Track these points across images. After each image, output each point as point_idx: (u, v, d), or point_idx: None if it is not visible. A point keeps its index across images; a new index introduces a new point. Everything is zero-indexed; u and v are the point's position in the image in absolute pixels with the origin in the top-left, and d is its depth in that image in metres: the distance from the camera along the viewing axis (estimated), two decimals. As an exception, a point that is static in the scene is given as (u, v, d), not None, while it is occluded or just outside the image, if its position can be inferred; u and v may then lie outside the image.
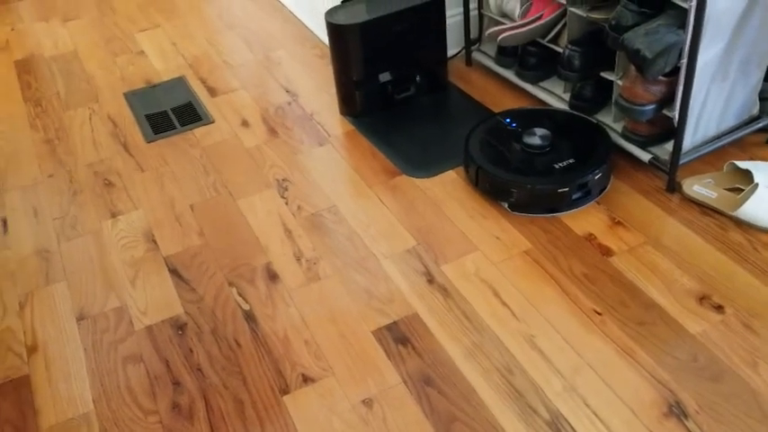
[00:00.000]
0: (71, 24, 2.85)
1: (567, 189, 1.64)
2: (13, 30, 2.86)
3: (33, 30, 2.84)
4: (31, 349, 1.49)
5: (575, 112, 1.86)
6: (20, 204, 1.90)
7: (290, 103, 2.22)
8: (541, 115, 1.86)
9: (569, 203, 1.67)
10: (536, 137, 1.73)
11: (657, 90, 1.62)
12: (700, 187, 1.67)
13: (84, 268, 1.68)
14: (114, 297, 1.59)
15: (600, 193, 1.72)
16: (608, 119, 1.87)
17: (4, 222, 1.84)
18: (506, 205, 1.70)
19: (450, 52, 2.28)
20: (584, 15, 1.76)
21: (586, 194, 1.68)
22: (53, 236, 1.78)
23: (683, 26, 1.53)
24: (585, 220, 1.66)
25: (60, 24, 2.86)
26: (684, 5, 1.48)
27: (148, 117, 2.21)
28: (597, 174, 1.67)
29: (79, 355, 1.46)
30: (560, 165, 1.69)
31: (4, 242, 1.78)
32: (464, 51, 2.29)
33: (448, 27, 2.20)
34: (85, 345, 1.48)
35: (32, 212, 1.87)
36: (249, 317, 1.51)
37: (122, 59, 2.55)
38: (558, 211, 1.68)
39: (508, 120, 1.81)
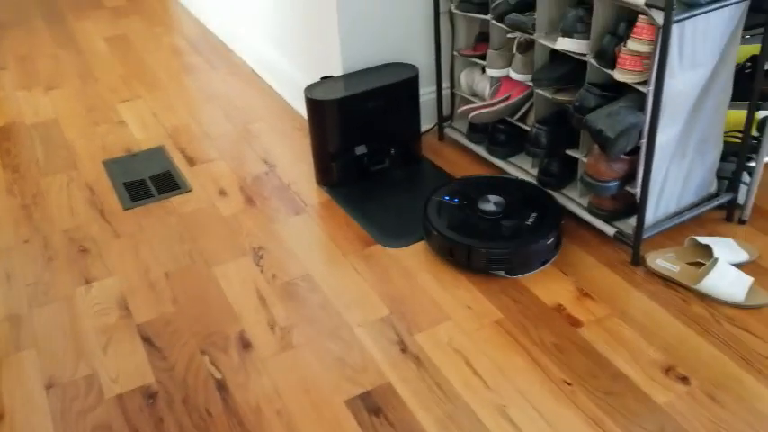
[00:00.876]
0: (53, 93, 2.90)
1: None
2: (-7, 97, 2.90)
3: (15, 97, 2.88)
4: (-3, 417, 1.46)
5: (533, 183, 1.93)
6: (-8, 270, 1.90)
7: (267, 173, 2.26)
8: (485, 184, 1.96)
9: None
10: (490, 203, 1.82)
11: (620, 168, 1.70)
12: (662, 261, 1.73)
13: (56, 335, 1.67)
14: (85, 364, 1.58)
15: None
16: (574, 194, 1.94)
17: (-24, 288, 1.83)
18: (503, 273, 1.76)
19: (424, 128, 2.36)
20: (550, 97, 1.85)
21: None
22: (25, 301, 1.78)
23: (642, 108, 1.62)
24: (555, 292, 1.70)
25: (42, 93, 2.91)
26: (643, 90, 1.58)
27: (126, 185, 2.24)
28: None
29: (47, 424, 1.44)
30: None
31: (-25, 308, 1.77)
32: (437, 127, 2.37)
33: (422, 104, 2.29)
34: (54, 413, 1.46)
35: (5, 277, 1.87)
36: (221, 386, 1.51)
37: (103, 128, 2.60)
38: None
39: (447, 197, 1.90)
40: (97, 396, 1.50)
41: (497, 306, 1.67)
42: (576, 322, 1.61)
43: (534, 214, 1.80)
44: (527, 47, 1.92)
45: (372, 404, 1.45)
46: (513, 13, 1.85)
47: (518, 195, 1.88)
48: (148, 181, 2.26)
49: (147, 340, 1.64)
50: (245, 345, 1.61)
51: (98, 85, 2.95)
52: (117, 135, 2.55)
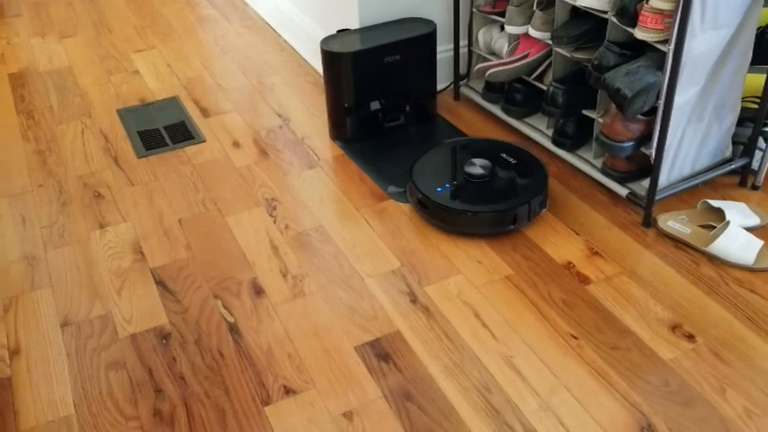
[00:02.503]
0: (67, 41, 2.90)
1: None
2: (8, 44, 2.89)
3: (29, 45, 2.88)
4: (14, 352, 1.49)
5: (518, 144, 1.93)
6: (8, 211, 1.92)
7: (281, 127, 2.27)
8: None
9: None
10: (476, 166, 1.80)
11: (636, 128, 1.70)
12: (674, 223, 1.74)
13: (71, 276, 1.69)
14: (99, 305, 1.61)
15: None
16: (588, 155, 1.94)
17: (-8, 228, 1.86)
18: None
19: (440, 86, 2.35)
20: (569, 55, 1.84)
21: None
22: (40, 243, 1.80)
23: (661, 68, 1.61)
24: (566, 250, 1.71)
25: (56, 41, 2.91)
26: (663, 49, 1.57)
27: (140, 134, 2.25)
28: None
29: (62, 359, 1.47)
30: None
31: (-9, 247, 1.79)
32: (453, 86, 2.36)
33: (438, 62, 2.28)
34: (68, 350, 1.49)
35: (20, 220, 1.89)
36: (233, 329, 1.53)
37: (117, 78, 2.60)
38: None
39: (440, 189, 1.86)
40: (111, 335, 1.53)
41: (508, 262, 1.68)
42: (585, 279, 1.62)
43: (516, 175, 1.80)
44: (547, 4, 1.91)
45: (381, 351, 1.47)
46: (535, -31, 1.83)
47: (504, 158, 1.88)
48: (162, 130, 2.26)
49: (160, 284, 1.66)
50: (258, 291, 1.63)
51: (112, 35, 2.94)
52: (131, 84, 2.55)
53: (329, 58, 2.02)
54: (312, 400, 1.37)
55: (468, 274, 1.66)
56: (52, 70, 2.67)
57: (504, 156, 1.89)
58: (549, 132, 2.04)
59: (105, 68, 2.66)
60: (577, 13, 1.85)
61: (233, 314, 1.57)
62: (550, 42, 1.90)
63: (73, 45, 2.86)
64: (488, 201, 1.75)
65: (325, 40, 2.05)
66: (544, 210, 1.80)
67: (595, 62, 1.69)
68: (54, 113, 2.38)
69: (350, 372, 1.43)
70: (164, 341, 1.51)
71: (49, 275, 1.70)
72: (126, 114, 2.36)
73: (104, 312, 1.59)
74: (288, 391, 1.39)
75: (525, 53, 1.99)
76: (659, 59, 1.63)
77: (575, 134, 1.94)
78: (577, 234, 1.76)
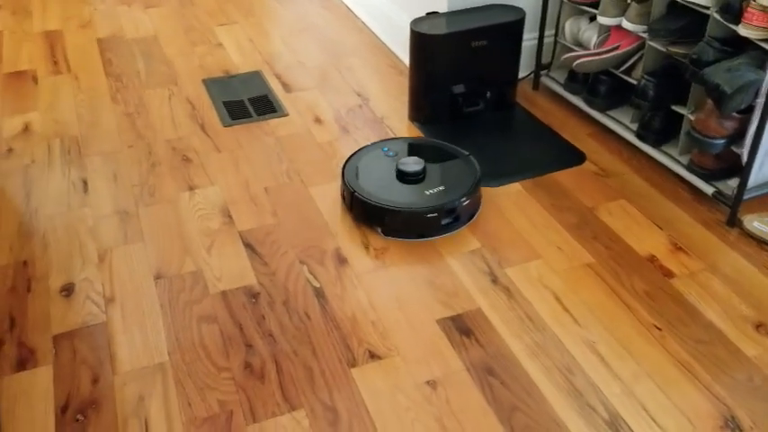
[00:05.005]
0: (152, 11, 2.98)
1: (435, 214, 1.69)
2: (96, 9, 2.99)
3: (115, 12, 2.97)
4: (109, 300, 1.56)
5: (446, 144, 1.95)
6: (100, 168, 1.99)
7: (360, 106, 2.30)
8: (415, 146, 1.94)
9: (439, 229, 1.72)
10: (411, 164, 1.78)
11: (730, 126, 1.69)
12: (760, 224, 1.72)
13: (162, 233, 1.75)
14: (190, 262, 1.66)
15: (469, 220, 1.77)
16: (673, 150, 1.93)
17: (85, 183, 1.93)
18: (379, 230, 1.74)
19: (520, 75, 2.35)
20: (664, 49, 1.83)
21: (456, 220, 1.74)
22: (131, 200, 1.86)
23: (763, 66, 1.60)
24: (648, 243, 1.71)
25: (141, 10, 2.99)
26: (766, 47, 1.55)
27: (225, 104, 2.30)
28: (465, 201, 1.73)
29: (155, 309, 1.53)
30: (431, 191, 1.74)
31: (84, 200, 1.86)
32: (533, 75, 2.37)
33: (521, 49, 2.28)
34: (162, 301, 1.55)
35: (112, 177, 1.96)
36: (319, 294, 1.58)
37: (201, 49, 2.66)
38: (426, 236, 1.72)
39: (386, 149, 1.90)
40: (203, 290, 1.58)
41: (589, 250, 1.69)
42: (668, 273, 1.62)
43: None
44: (642, -3, 1.90)
45: (463, 326, 1.49)
46: (635, -39, 1.83)
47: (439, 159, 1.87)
48: (246, 102, 2.32)
49: (248, 246, 1.71)
50: (341, 260, 1.67)
51: (195, 8, 3.01)
52: (215, 57, 2.61)
53: (418, 39, 2.05)
54: (396, 366, 1.40)
55: (548, 258, 1.67)
56: (138, 38, 2.74)
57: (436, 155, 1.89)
58: (633, 126, 2.03)
59: (189, 40, 2.73)
60: (674, 7, 1.84)
61: (318, 279, 1.61)
62: (644, 35, 1.89)
63: (157, 15, 2.94)
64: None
65: (415, 22, 2.07)
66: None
67: (694, 57, 1.69)
68: (141, 79, 2.46)
69: (432, 343, 1.46)
70: (253, 300, 1.56)
71: (141, 231, 1.76)
72: (211, 84, 2.42)
73: (195, 269, 1.64)
74: (372, 356, 1.43)
75: (616, 45, 1.98)
76: (761, 57, 1.61)
77: (661, 129, 1.94)
78: (660, 228, 1.76)
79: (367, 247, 1.71)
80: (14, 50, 2.65)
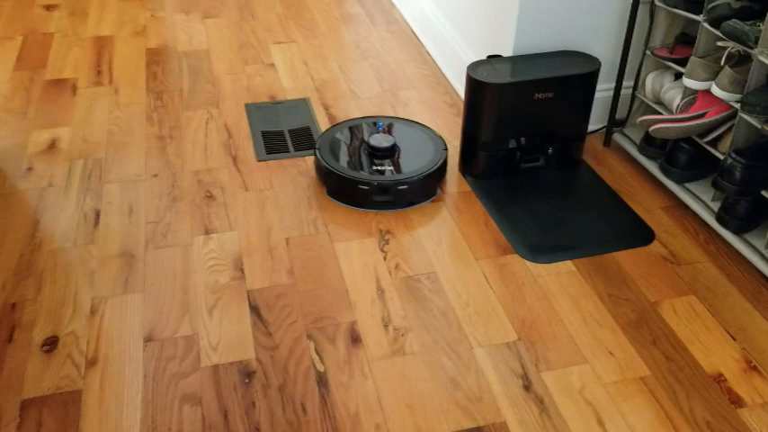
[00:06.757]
0: (209, 22, 2.85)
1: (367, 188, 1.79)
2: (152, 16, 2.88)
3: (172, 20, 2.85)
4: (91, 363, 1.40)
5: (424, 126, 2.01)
6: (118, 198, 1.85)
7: (408, 148, 2.09)
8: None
9: (372, 204, 1.82)
10: (379, 140, 1.88)
11: (834, 228, 1.40)
12: None
13: (165, 284, 1.60)
14: (188, 323, 1.50)
15: (408, 206, 1.84)
16: (759, 242, 1.64)
17: (97, 215, 1.80)
18: (325, 190, 1.87)
19: (591, 128, 2.10)
20: (759, 126, 1.55)
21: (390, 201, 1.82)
22: (141, 240, 1.72)
23: None
24: (717, 356, 1.44)
25: (199, 20, 2.87)
26: None
27: (264, 134, 2.14)
28: (403, 186, 1.80)
29: (137, 380, 1.37)
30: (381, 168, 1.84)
31: (92, 236, 1.73)
32: (605, 130, 2.11)
33: (593, 103, 2.03)
34: (147, 370, 1.39)
35: (128, 210, 1.82)
36: (322, 380, 1.38)
37: (252, 68, 2.51)
38: (361, 207, 1.83)
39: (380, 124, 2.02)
40: (194, 362, 1.41)
41: (645, 359, 1.44)
42: (736, 399, 1.35)
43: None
44: (740, 60, 1.62)
45: (482, 444, 1.27)
46: (734, 20, 1.55)
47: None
48: (287, 134, 2.15)
49: (254, 310, 1.53)
50: (355, 339, 1.47)
51: (255, 21, 2.87)
52: (264, 78, 2.45)
53: (475, 86, 1.82)
54: (394, 489, 1.20)
55: (595, 365, 1.42)
56: (190, 51, 2.62)
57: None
58: (714, 206, 1.75)
59: (242, 57, 2.59)
60: (778, 78, 1.56)
61: (324, 362, 1.42)
62: (736, 105, 1.61)
63: (215, 26, 2.81)
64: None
65: (473, 67, 1.85)
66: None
67: (795, 143, 1.41)
68: (183, 98, 2.32)
69: (442, 462, 1.24)
70: (246, 380, 1.37)
71: (143, 279, 1.61)
72: (254, 110, 2.26)
73: (191, 333, 1.47)
74: (369, 472, 1.22)
75: (702, 112, 1.71)
76: None
77: (746, 215, 1.65)
78: (733, 338, 1.48)
79: (387, 326, 1.50)
80: (62, 55, 2.56)
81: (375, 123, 1.99)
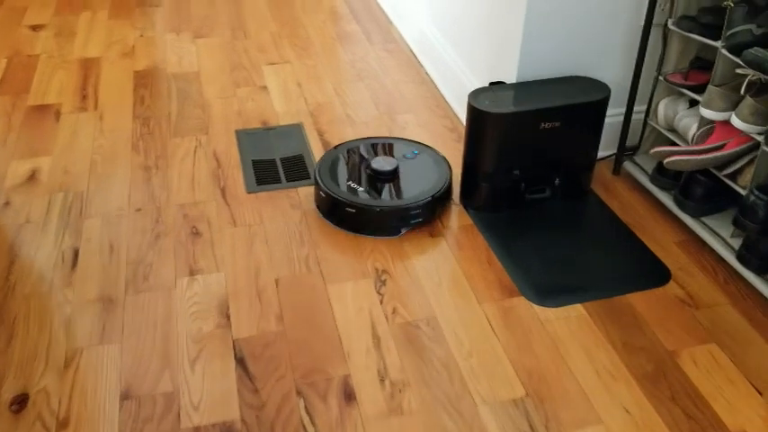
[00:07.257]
0: (200, 42, 2.75)
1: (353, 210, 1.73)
2: (141, 36, 2.78)
3: (162, 40, 2.75)
4: (62, 424, 1.29)
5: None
6: (98, 235, 1.75)
7: (407, 178, 1.98)
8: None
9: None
10: (381, 162, 1.83)
11: None
12: None
13: (145, 332, 1.48)
14: (168, 378, 1.38)
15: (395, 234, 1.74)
16: (784, 284, 1.53)
17: (76, 255, 1.69)
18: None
19: (600, 155, 1.99)
20: (784, 160, 1.44)
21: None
22: (121, 283, 1.61)
23: None
24: (741, 413, 1.33)
25: (190, 40, 2.76)
26: None
27: (255, 163, 2.03)
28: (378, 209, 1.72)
29: (112, 444, 1.26)
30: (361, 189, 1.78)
31: (69, 278, 1.62)
32: (614, 158, 2.00)
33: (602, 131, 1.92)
34: (122, 433, 1.28)
35: (108, 248, 1.71)
36: (312, 444, 1.27)
37: (243, 91, 2.41)
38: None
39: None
40: (173, 424, 1.29)
41: (664, 417, 1.32)
42: (766, 465, 1.24)
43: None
44: (761, 89, 1.51)
45: None
46: (756, 48, 1.44)
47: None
48: (278, 162, 2.04)
49: (240, 362, 1.42)
50: (348, 395, 1.36)
51: (247, 41, 2.76)
52: (256, 102, 2.35)
53: (476, 115, 1.71)
54: None
55: (610, 425, 1.31)
56: (179, 73, 2.51)
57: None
58: (734, 242, 1.64)
59: (233, 79, 2.48)
60: (803, 109, 1.45)
61: (315, 422, 1.31)
62: (758, 137, 1.50)
63: (206, 47, 2.71)
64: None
65: (474, 95, 1.74)
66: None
67: (826, 183, 1.30)
68: (171, 123, 2.22)
69: None
70: (229, 445, 1.26)
71: (122, 326, 1.50)
72: (244, 137, 2.15)
73: (172, 389, 1.36)
74: None
75: (721, 143, 1.60)
76: None
77: (769, 255, 1.54)
78: (759, 393, 1.37)
79: (383, 380, 1.39)
80: (46, 78, 2.46)
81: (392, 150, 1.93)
